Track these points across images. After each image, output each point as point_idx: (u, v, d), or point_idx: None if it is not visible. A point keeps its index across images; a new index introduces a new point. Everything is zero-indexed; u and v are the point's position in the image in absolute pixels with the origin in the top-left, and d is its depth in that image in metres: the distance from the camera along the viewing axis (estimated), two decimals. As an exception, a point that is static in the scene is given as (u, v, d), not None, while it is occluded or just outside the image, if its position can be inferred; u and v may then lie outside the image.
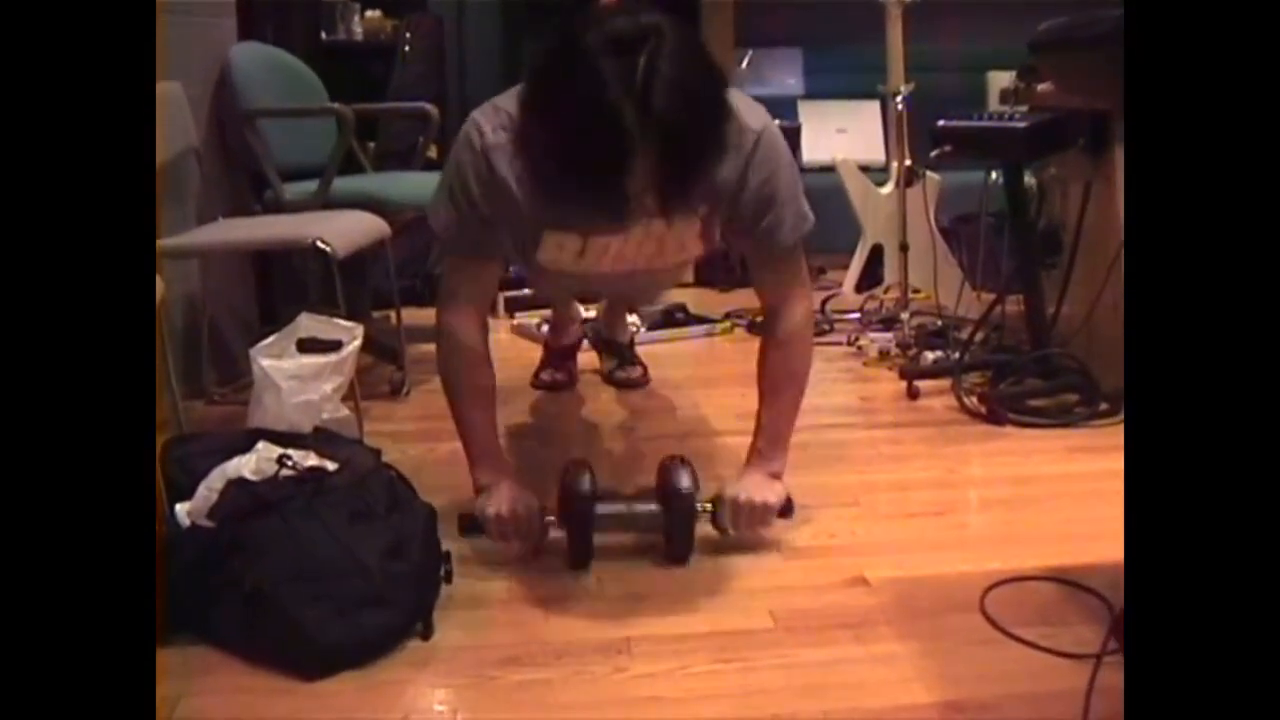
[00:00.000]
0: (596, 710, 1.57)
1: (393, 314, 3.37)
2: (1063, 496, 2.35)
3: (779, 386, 2.10)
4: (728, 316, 3.98)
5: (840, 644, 1.73)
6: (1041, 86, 3.35)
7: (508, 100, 1.90)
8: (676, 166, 1.65)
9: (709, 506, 2.02)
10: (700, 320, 3.97)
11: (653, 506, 2.00)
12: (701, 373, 3.30)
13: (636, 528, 2.04)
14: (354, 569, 1.67)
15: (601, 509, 1.97)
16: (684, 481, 1.95)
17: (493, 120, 1.92)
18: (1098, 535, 2.01)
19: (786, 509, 2.06)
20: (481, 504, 1.99)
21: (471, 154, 1.91)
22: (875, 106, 5.00)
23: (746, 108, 1.92)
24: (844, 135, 5.24)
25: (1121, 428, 2.72)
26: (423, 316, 3.60)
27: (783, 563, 2.01)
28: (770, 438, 2.09)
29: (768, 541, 2.07)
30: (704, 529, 2.03)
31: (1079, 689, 1.53)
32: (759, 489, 2.02)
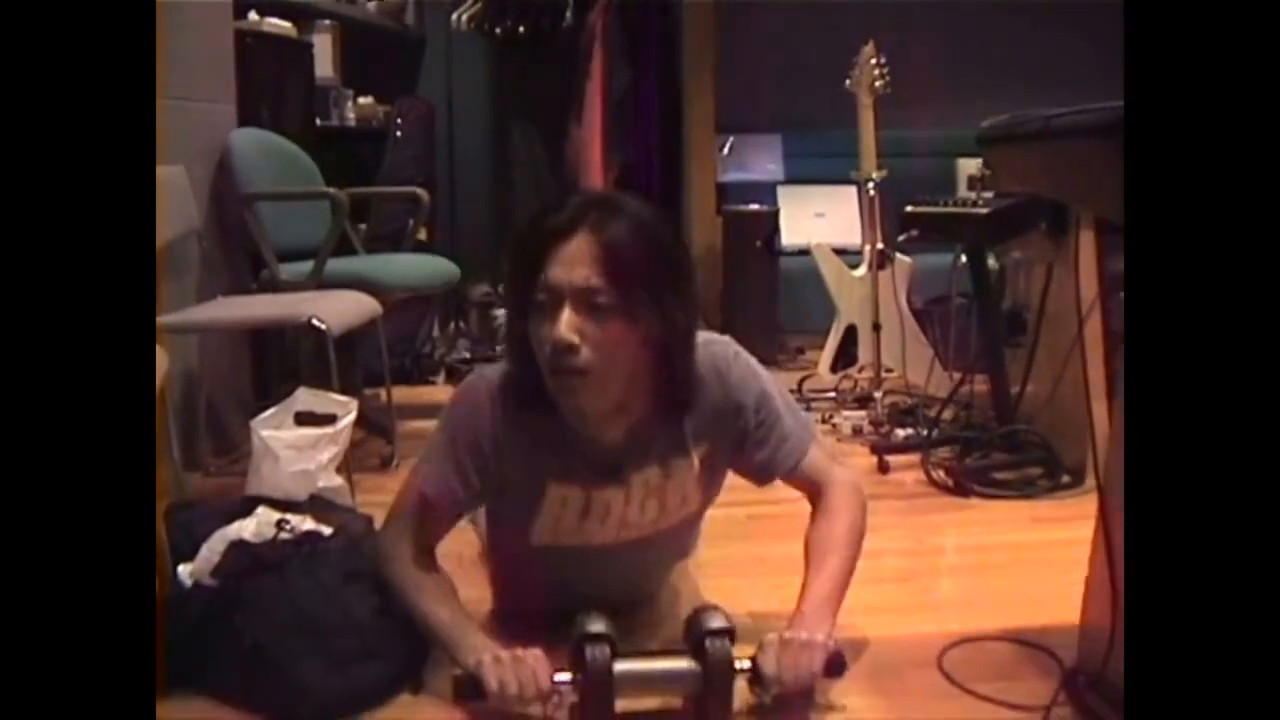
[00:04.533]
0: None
1: (383, 391, 3.47)
2: (1024, 564, 2.46)
3: (826, 551, 1.88)
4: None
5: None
6: (1005, 173, 3.49)
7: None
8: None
9: (746, 664, 1.75)
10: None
11: (684, 663, 1.73)
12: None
13: (663, 688, 1.77)
14: (348, 625, 1.77)
15: (622, 666, 1.69)
16: (718, 625, 1.72)
17: (493, 373, 1.88)
18: (1055, 599, 2.07)
19: (836, 665, 1.76)
20: (477, 660, 1.71)
21: (472, 407, 1.86)
22: (853, 191, 5.02)
23: (708, 338, 1.89)
24: (822, 219, 5.36)
25: (1081, 499, 2.84)
26: (412, 395, 3.71)
27: (753, 625, 2.07)
28: (816, 601, 1.83)
29: (818, 708, 1.80)
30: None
31: (1029, 739, 1.63)
32: (804, 632, 1.77)
